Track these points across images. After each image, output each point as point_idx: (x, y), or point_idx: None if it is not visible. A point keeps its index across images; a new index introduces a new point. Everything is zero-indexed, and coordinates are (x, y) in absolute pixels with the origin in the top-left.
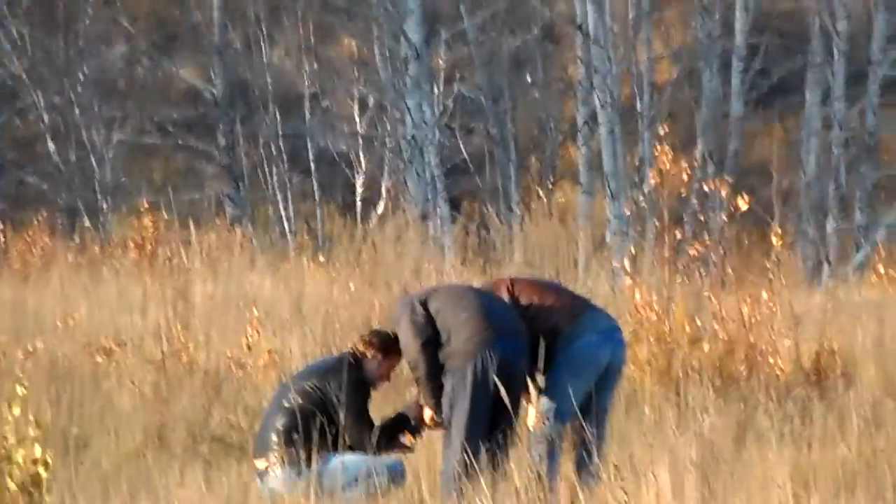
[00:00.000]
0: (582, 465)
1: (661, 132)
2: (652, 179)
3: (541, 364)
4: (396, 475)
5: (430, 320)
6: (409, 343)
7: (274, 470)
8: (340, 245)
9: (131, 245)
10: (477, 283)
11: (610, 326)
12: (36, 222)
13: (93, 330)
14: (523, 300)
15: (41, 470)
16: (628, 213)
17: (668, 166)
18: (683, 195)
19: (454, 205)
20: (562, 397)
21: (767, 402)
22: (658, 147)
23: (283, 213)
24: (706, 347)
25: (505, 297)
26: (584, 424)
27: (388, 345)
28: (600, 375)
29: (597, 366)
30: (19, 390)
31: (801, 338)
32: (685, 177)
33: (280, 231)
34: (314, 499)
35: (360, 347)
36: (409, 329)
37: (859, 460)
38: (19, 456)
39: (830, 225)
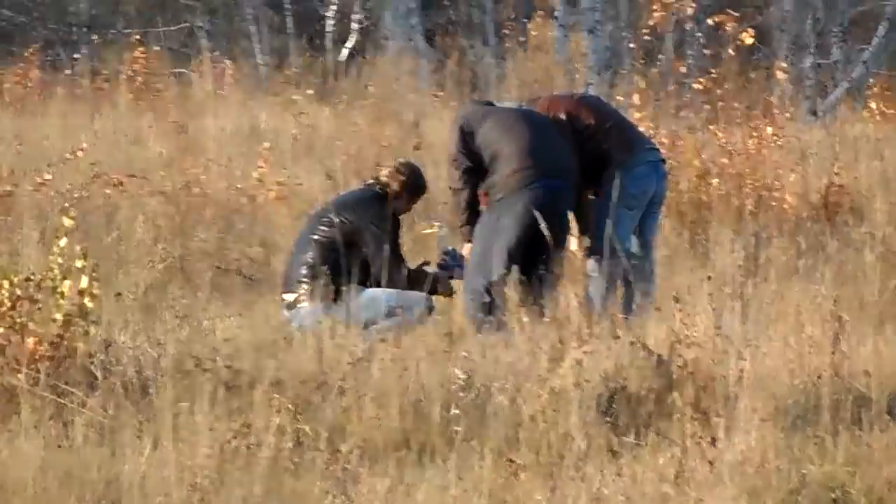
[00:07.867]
0: (633, 299)
1: None
2: (655, 13)
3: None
4: (426, 309)
5: (474, 157)
6: (449, 175)
7: (303, 304)
8: (333, 81)
9: (123, 78)
10: (544, 95)
11: (658, 158)
12: (27, 55)
13: (99, 162)
14: (582, 120)
15: (87, 301)
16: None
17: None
18: (689, 28)
19: (428, 39)
20: (618, 229)
21: (779, 237)
22: None
23: (257, 46)
24: (715, 182)
25: (562, 115)
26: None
27: (418, 182)
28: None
29: (646, 197)
30: (66, 221)
31: (807, 172)
32: (690, 10)
33: (253, 65)
34: (345, 332)
35: (390, 179)
36: (452, 164)
37: (881, 297)
38: (65, 287)
39: (808, 60)
